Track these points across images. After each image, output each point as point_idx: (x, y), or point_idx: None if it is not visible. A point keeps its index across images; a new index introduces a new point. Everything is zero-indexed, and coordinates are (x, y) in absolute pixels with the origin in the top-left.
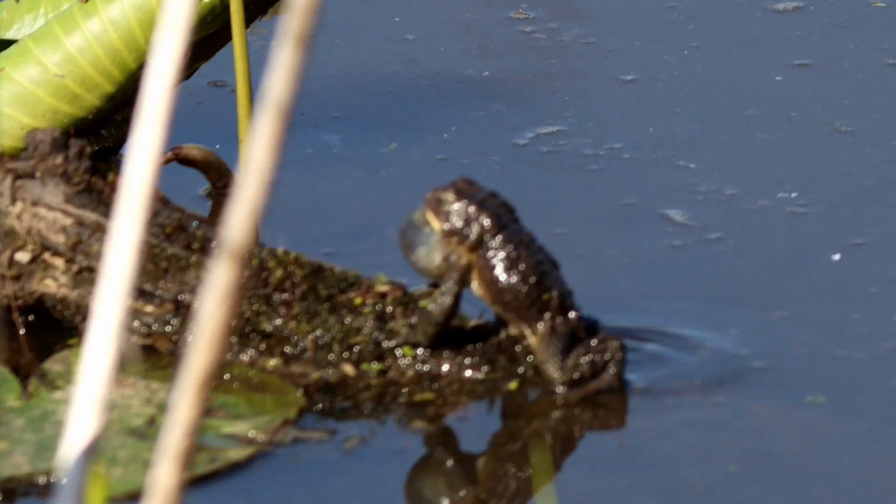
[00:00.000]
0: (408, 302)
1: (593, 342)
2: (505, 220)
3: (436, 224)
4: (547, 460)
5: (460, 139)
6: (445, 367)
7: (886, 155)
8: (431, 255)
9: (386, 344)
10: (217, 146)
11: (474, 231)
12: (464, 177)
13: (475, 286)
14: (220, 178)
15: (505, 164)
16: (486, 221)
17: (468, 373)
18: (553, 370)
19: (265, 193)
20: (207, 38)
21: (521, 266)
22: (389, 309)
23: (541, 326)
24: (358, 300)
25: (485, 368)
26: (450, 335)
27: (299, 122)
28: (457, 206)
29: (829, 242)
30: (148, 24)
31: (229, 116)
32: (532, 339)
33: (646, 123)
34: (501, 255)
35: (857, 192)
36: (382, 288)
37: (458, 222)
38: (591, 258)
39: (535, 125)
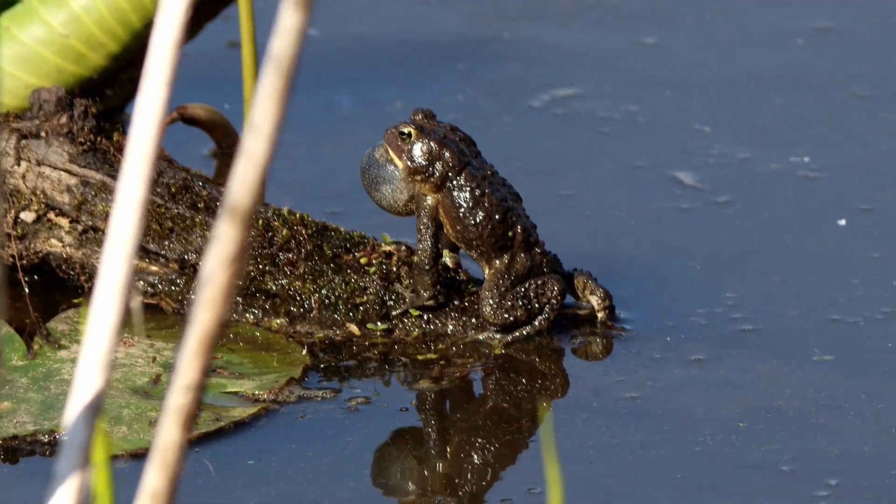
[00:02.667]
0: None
1: (535, 284)
2: (467, 156)
3: (399, 162)
4: (554, 417)
5: (475, 100)
6: (451, 327)
7: None
8: (396, 193)
9: (393, 312)
10: (226, 106)
11: (438, 169)
12: (422, 109)
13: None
14: (225, 137)
15: (518, 125)
16: (449, 159)
17: (472, 332)
18: (488, 310)
19: (270, 153)
20: None
21: (485, 203)
22: (395, 268)
23: (498, 262)
24: (363, 260)
25: (490, 328)
26: (454, 294)
27: (313, 82)
28: (419, 143)
29: (836, 207)
30: None
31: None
32: (486, 274)
33: (663, 87)
34: (465, 194)
35: (870, 158)
36: (388, 247)
37: (421, 160)
38: (597, 219)
39: (551, 87)
